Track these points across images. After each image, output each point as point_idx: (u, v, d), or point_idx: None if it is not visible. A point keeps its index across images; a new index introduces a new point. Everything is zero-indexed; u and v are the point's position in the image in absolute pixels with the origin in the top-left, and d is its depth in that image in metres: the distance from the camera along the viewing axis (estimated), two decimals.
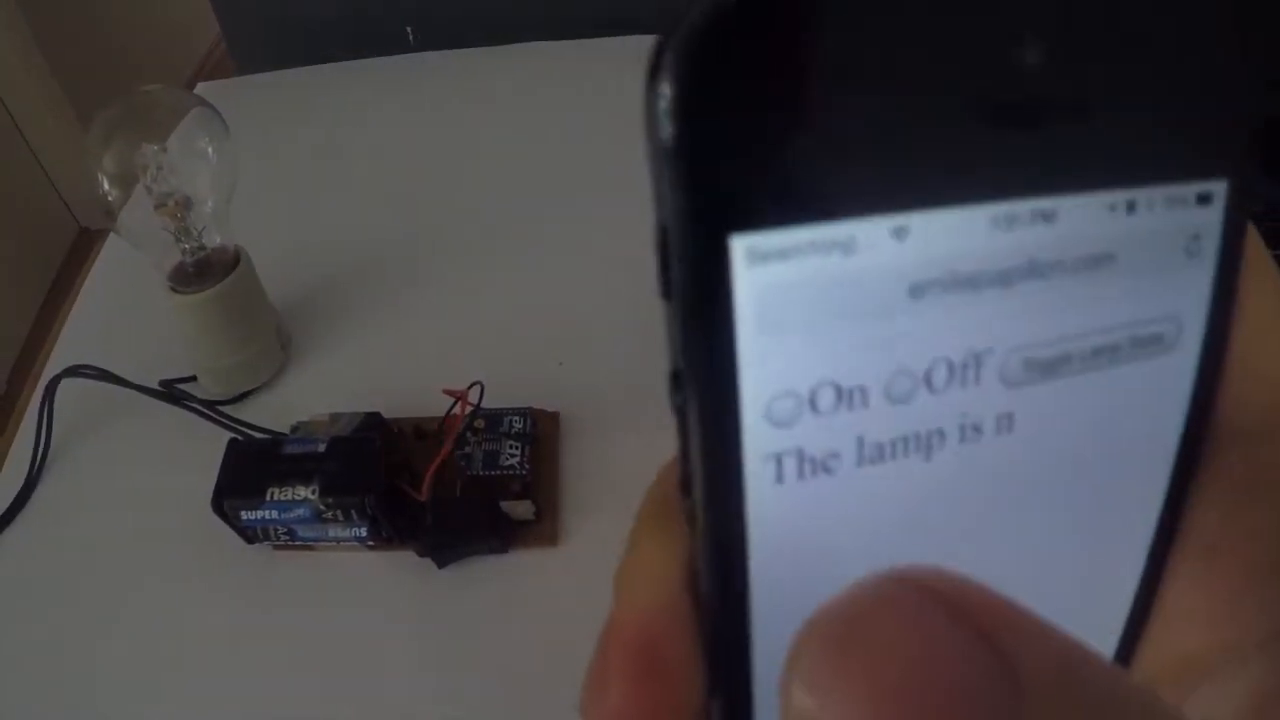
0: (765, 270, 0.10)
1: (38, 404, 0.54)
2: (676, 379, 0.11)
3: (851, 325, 0.10)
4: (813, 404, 0.10)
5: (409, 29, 0.82)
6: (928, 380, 0.11)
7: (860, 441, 0.11)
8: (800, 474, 0.11)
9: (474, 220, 0.65)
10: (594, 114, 0.74)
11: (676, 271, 0.10)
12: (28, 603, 0.47)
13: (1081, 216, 0.11)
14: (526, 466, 0.45)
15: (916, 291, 0.10)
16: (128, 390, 0.53)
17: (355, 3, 0.83)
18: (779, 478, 0.11)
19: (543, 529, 0.45)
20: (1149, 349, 0.12)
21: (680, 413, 0.11)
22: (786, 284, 0.10)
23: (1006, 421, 0.11)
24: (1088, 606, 0.13)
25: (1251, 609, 0.12)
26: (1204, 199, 0.11)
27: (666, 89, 0.09)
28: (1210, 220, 0.11)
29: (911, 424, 0.11)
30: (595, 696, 0.12)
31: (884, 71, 0.10)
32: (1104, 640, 0.13)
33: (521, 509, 0.45)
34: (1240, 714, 0.11)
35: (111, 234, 0.68)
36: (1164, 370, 0.12)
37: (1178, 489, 0.12)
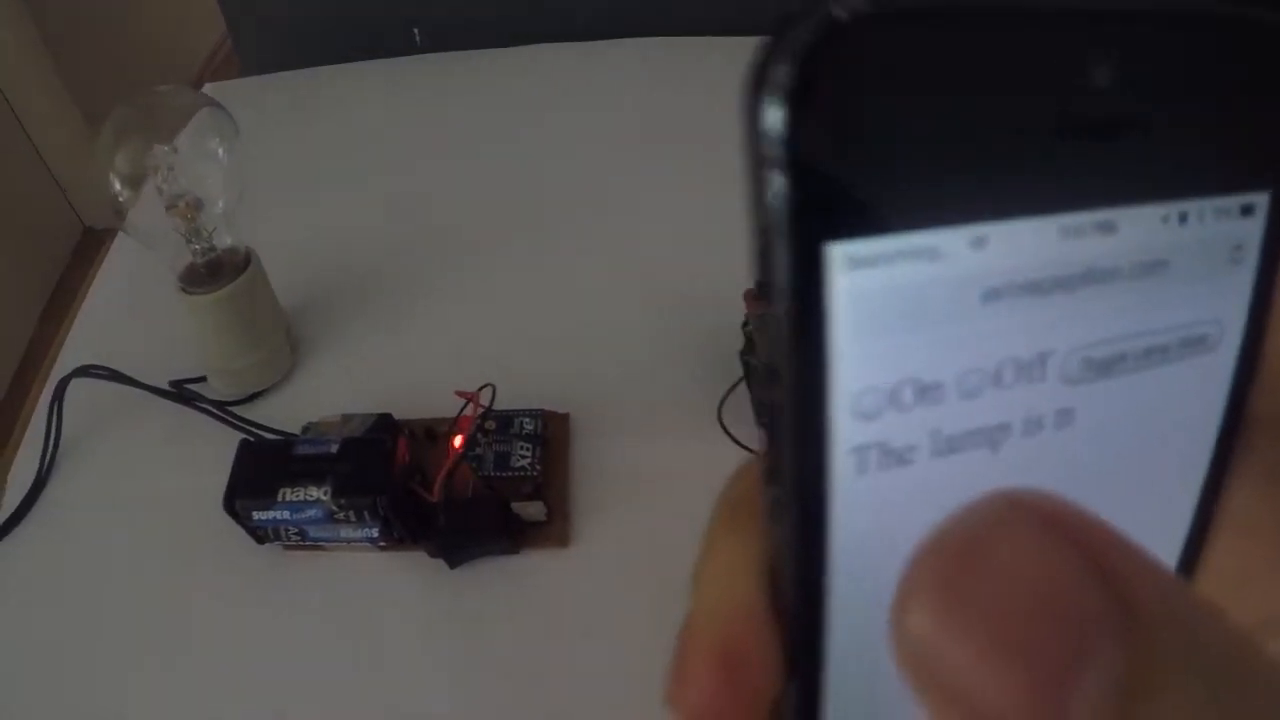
0: (858, 275, 0.10)
1: (47, 403, 0.54)
2: (772, 375, 0.11)
3: (931, 327, 0.11)
4: (894, 400, 0.11)
5: (415, 30, 0.82)
6: (997, 378, 0.12)
7: (935, 434, 0.11)
8: (881, 465, 0.11)
9: (483, 222, 0.65)
10: (603, 116, 0.74)
11: (777, 275, 0.10)
12: (37, 601, 0.47)
13: (1139, 227, 0.12)
14: (537, 468, 0.45)
15: (990, 296, 0.11)
16: (136, 390, 0.54)
17: (361, 4, 0.83)
18: (862, 468, 0.11)
19: (553, 530, 0.45)
20: (1194, 349, 0.13)
21: (773, 407, 0.11)
22: (876, 288, 0.11)
23: (1066, 416, 0.12)
24: None
25: None
26: (1247, 210, 0.12)
27: (775, 103, 0.10)
28: (1252, 230, 0.12)
29: (981, 418, 0.12)
30: (681, 689, 0.13)
31: (971, 95, 0.10)
32: None
33: (533, 510, 0.45)
34: None
35: (119, 234, 0.68)
36: (1207, 368, 0.13)
37: (1217, 474, 0.13)
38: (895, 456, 0.11)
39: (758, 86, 0.10)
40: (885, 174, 0.10)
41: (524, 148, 0.71)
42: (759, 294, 0.11)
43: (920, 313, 0.11)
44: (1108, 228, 0.11)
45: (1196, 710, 0.09)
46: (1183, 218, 0.12)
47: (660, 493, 0.48)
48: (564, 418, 0.50)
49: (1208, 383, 0.13)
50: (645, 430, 0.50)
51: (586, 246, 0.62)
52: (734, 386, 0.51)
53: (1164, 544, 0.13)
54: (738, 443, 0.49)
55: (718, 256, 0.58)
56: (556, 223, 0.64)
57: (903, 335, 0.11)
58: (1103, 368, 0.12)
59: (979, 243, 0.11)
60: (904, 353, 0.11)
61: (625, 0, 0.82)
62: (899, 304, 0.11)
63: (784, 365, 0.11)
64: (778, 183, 0.10)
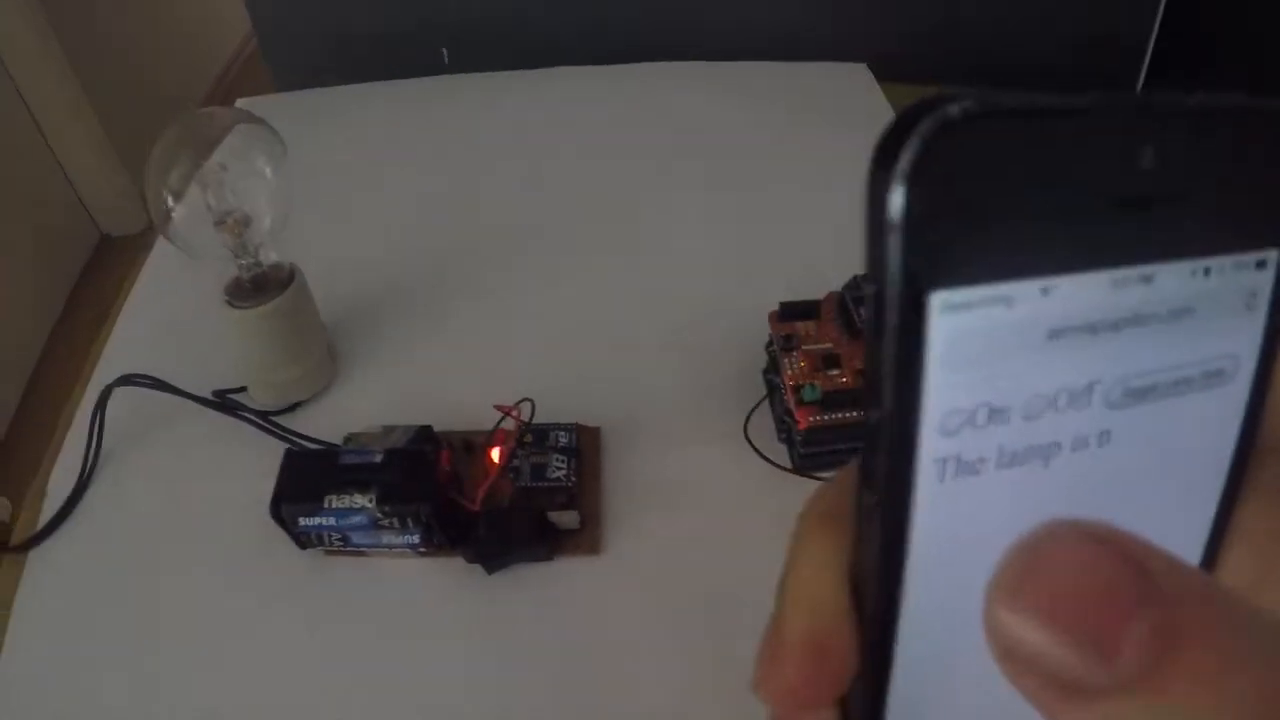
0: (951, 317, 0.13)
1: (89, 411, 0.56)
2: (875, 398, 0.13)
3: (1005, 360, 0.13)
4: (972, 420, 0.13)
5: (444, 50, 0.85)
6: (1053, 402, 0.14)
7: (1000, 450, 0.14)
8: (957, 474, 0.14)
9: (515, 241, 0.67)
10: (631, 137, 0.76)
11: (890, 320, 0.13)
12: (78, 605, 0.48)
13: (1172, 279, 0.14)
14: (572, 479, 0.47)
15: (1054, 335, 0.13)
16: (173, 399, 0.55)
17: (392, 24, 0.86)
18: (941, 477, 0.14)
19: (586, 538, 0.47)
20: (1214, 380, 0.15)
21: (876, 425, 0.13)
22: (965, 329, 0.13)
23: (1106, 436, 0.14)
24: None
25: None
26: (1261, 264, 0.15)
27: (899, 187, 0.12)
28: (1265, 280, 0.15)
29: (1038, 437, 0.14)
30: (771, 674, 0.15)
31: (1044, 175, 0.13)
32: None
33: (567, 519, 0.47)
34: None
35: (157, 243, 0.70)
36: (1224, 397, 0.15)
37: (1232, 489, 0.16)
38: (968, 467, 0.14)
39: (883, 164, 0.12)
40: (976, 237, 0.13)
41: (555, 167, 0.74)
42: (872, 331, 0.13)
43: (997, 348, 0.13)
44: (1147, 279, 0.14)
45: (1218, 648, 0.12)
46: (1207, 271, 0.14)
47: (687, 503, 0.50)
48: (596, 431, 0.52)
49: (1225, 409, 0.15)
50: (674, 444, 0.52)
51: (616, 267, 0.64)
52: (758, 404, 0.53)
53: (1185, 548, 0.15)
54: (762, 456, 0.51)
55: (744, 279, 0.61)
56: (586, 242, 0.66)
57: (982, 366, 0.13)
58: (1139, 395, 0.14)
59: (1046, 292, 0.13)
60: (983, 381, 0.13)
61: (649, 26, 0.84)
62: (981, 341, 0.13)
63: (887, 389, 0.13)
64: (895, 243, 0.12)
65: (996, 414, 0.14)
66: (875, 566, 0.14)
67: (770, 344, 0.53)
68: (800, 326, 0.52)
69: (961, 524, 0.14)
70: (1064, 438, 0.14)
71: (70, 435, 0.57)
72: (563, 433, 0.49)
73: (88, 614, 0.48)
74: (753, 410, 0.53)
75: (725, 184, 0.70)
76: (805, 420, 0.48)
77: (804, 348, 0.51)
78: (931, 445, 0.13)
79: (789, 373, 0.50)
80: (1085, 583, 0.12)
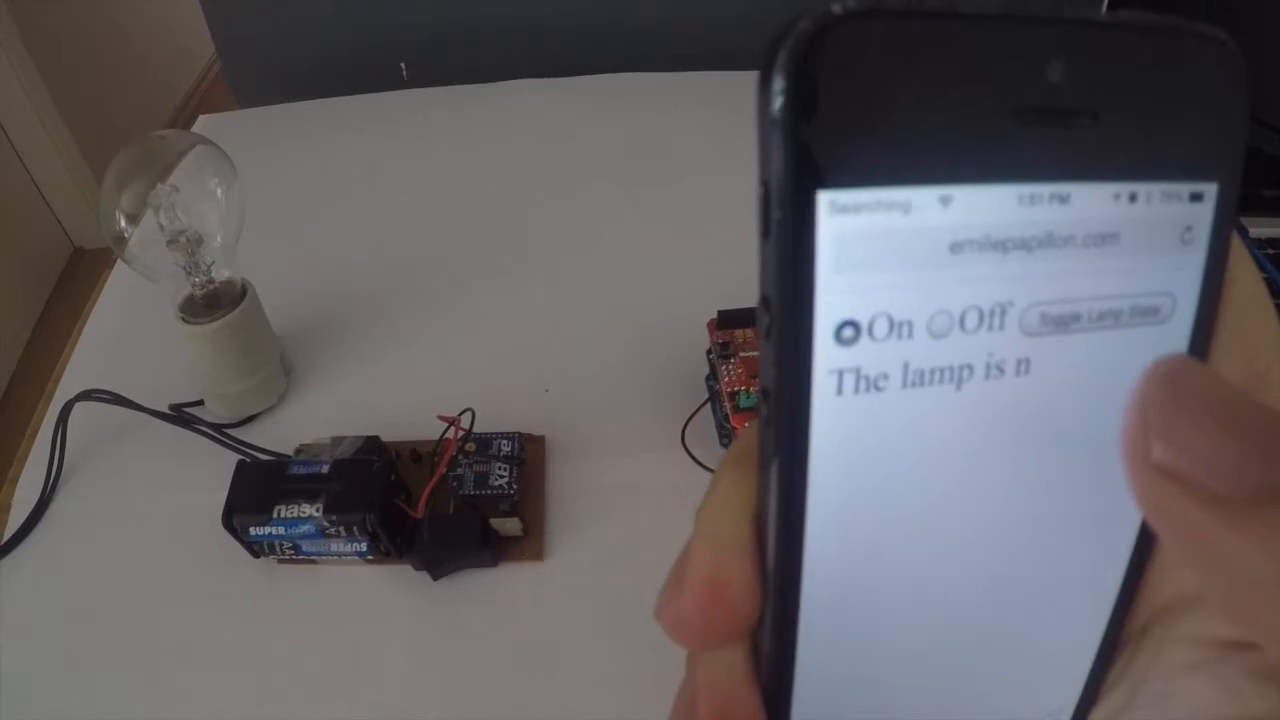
0: (841, 219, 0.13)
1: (51, 426, 0.57)
2: (765, 303, 0.13)
3: (903, 270, 0.13)
4: (870, 331, 0.13)
5: (402, 65, 0.86)
6: (961, 322, 0.13)
7: (905, 366, 0.13)
8: (856, 389, 0.13)
9: (464, 253, 0.69)
10: (579, 149, 0.78)
11: (775, 216, 0.13)
12: (43, 614, 0.49)
13: (1090, 201, 0.14)
14: (515, 486, 0.49)
15: (956, 248, 0.13)
16: (132, 413, 0.57)
17: (351, 40, 0.87)
18: (839, 390, 0.13)
19: (529, 544, 0.49)
20: (1147, 318, 0.15)
21: (766, 331, 0.13)
22: (856, 232, 0.13)
23: (1025, 365, 0.14)
24: (1096, 528, 0.16)
25: None
26: (1196, 197, 0.14)
27: (780, 80, 0.12)
28: (1202, 215, 0.14)
29: (946, 357, 0.14)
30: (669, 602, 0.15)
31: (939, 81, 0.13)
32: (1113, 561, 0.16)
33: (510, 526, 0.48)
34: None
35: (117, 262, 0.72)
36: (1160, 337, 0.15)
37: None
38: (869, 383, 0.13)
39: (767, 62, 0.12)
40: (865, 138, 0.12)
41: (503, 180, 0.75)
42: (760, 233, 0.13)
43: (894, 257, 0.13)
44: (1062, 199, 0.13)
45: None
46: (1132, 197, 0.14)
47: (628, 509, 0.51)
48: (539, 440, 0.53)
49: (1161, 351, 0.15)
50: (615, 452, 0.54)
51: (560, 278, 0.66)
52: (697, 410, 0.55)
53: (1108, 497, 0.15)
54: (699, 463, 0.52)
55: (684, 288, 0.63)
56: (533, 254, 0.68)
57: (878, 275, 0.13)
58: (1059, 323, 0.14)
59: (945, 201, 0.13)
60: (879, 291, 0.13)
61: (605, 39, 0.86)
62: (876, 248, 0.13)
63: (775, 293, 0.13)
64: (779, 140, 0.12)
65: (898, 327, 0.13)
66: (774, 489, 0.14)
67: (710, 351, 0.55)
68: (738, 334, 0.54)
69: (867, 445, 0.14)
70: (976, 360, 0.14)
71: (34, 449, 0.58)
72: (505, 441, 0.51)
73: (51, 625, 0.49)
74: (690, 418, 0.54)
75: (671, 195, 0.72)
76: (742, 426, 0.50)
77: (741, 354, 0.53)
78: (826, 355, 0.13)
79: (726, 379, 0.52)
80: (1231, 394, 0.13)
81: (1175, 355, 0.14)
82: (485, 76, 0.84)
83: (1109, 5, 0.70)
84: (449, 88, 0.84)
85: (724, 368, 0.53)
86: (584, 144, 0.78)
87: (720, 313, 0.54)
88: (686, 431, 0.54)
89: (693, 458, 0.53)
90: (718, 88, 0.82)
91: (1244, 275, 0.15)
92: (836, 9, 0.12)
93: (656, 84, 0.84)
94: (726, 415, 0.51)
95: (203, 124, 0.84)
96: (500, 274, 0.66)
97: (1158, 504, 0.13)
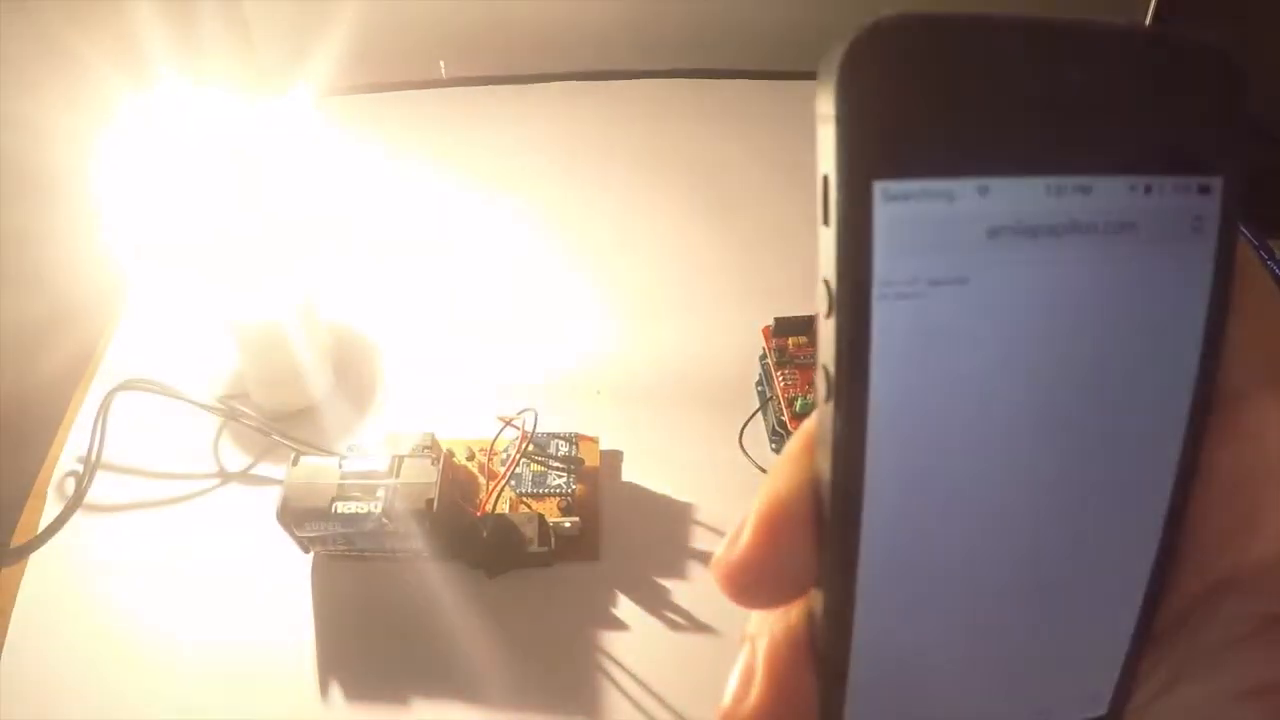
0: (893, 207, 0.14)
1: (92, 415, 0.56)
2: (826, 285, 0.15)
3: (947, 250, 0.15)
4: (923, 298, 0.15)
5: (441, 63, 0.86)
6: (1000, 298, 0.15)
7: (956, 322, 0.15)
8: (911, 353, 0.15)
9: (520, 254, 0.68)
10: (626, 153, 0.77)
11: (835, 205, 0.14)
12: (78, 608, 0.49)
13: (1110, 192, 0.15)
14: (571, 487, 0.49)
15: (993, 233, 0.15)
16: (174, 403, 0.56)
17: (391, 36, 0.86)
18: (896, 352, 0.15)
19: (584, 544, 0.49)
20: (1165, 299, 0.16)
21: (827, 310, 0.15)
22: (906, 218, 0.14)
23: (1050, 335, 0.16)
24: (1130, 503, 0.17)
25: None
26: (1204, 189, 0.16)
27: (838, 83, 0.14)
28: (1210, 205, 0.16)
29: (990, 326, 0.15)
30: (725, 551, 0.17)
31: (973, 84, 0.15)
32: (1146, 536, 0.17)
33: (566, 526, 0.48)
34: None
35: None
36: (1175, 315, 0.16)
37: (1195, 429, 0.16)
38: (926, 338, 0.15)
39: (827, 67, 0.14)
40: (914, 136, 0.14)
41: (555, 181, 0.74)
42: (821, 220, 0.15)
43: (939, 239, 0.15)
44: (1084, 190, 0.15)
45: None
46: (1147, 189, 0.15)
47: (682, 510, 0.51)
48: (595, 441, 0.53)
49: (1181, 331, 0.16)
50: (670, 453, 0.54)
51: (617, 281, 0.65)
52: (753, 415, 0.55)
53: (1143, 469, 0.16)
54: (757, 466, 0.52)
55: (740, 294, 0.62)
56: (585, 257, 0.68)
57: (924, 254, 0.15)
58: (1084, 297, 0.16)
59: (983, 190, 0.15)
60: (925, 267, 0.15)
61: (649, 41, 0.86)
62: (923, 231, 0.15)
63: (839, 271, 0.15)
64: (838, 135, 0.14)
65: (946, 283, 0.15)
66: (838, 446, 0.15)
67: (764, 357, 0.55)
68: (792, 341, 0.54)
69: (922, 396, 0.15)
70: (1019, 334, 0.15)
71: (71, 438, 0.58)
72: (563, 441, 0.50)
73: (88, 616, 0.48)
74: (747, 422, 0.54)
75: (729, 201, 0.72)
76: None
77: (796, 362, 0.53)
78: (883, 320, 0.15)
79: (782, 385, 0.52)
80: None
81: None
82: (523, 78, 0.83)
83: (1153, 15, 0.71)
84: (491, 87, 0.83)
85: (780, 374, 0.52)
86: (635, 149, 0.78)
87: (777, 319, 0.54)
88: (743, 435, 0.54)
89: (750, 459, 0.52)
90: (761, 95, 0.82)
91: (1256, 278, 0.17)
92: (885, 20, 0.14)
93: (698, 90, 0.83)
94: (784, 421, 0.51)
95: None
96: (555, 278, 0.66)
97: None
